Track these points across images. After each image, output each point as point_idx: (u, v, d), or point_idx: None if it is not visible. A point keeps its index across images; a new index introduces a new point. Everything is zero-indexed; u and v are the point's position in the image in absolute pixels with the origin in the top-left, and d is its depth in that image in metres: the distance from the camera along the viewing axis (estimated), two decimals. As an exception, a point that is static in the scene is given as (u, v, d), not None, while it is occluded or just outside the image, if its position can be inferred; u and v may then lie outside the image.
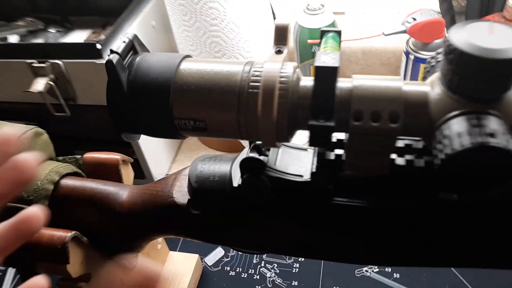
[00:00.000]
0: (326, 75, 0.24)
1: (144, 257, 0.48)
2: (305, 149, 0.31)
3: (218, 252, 0.57)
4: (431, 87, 0.24)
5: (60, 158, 0.42)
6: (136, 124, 0.27)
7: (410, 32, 0.61)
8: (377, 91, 0.24)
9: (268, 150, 0.30)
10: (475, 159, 0.21)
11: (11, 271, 0.59)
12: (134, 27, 0.58)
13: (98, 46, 0.50)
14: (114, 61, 0.25)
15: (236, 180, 0.30)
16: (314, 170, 0.29)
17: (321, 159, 0.28)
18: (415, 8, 0.64)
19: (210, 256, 0.57)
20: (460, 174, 0.22)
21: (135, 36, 0.27)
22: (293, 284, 0.52)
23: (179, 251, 0.57)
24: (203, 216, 0.33)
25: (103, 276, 0.27)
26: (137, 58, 0.26)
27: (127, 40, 0.26)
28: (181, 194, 0.34)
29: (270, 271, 0.54)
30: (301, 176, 0.29)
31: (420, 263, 0.31)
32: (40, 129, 0.40)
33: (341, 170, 0.28)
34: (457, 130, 0.21)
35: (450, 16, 0.71)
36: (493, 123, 0.21)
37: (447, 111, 0.22)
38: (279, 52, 0.26)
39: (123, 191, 0.37)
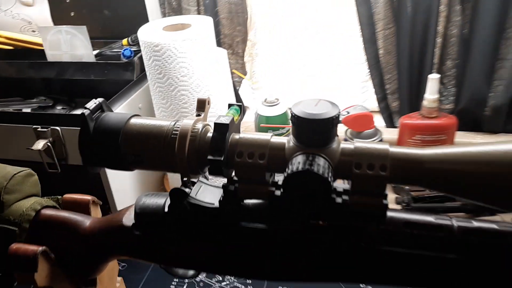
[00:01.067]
0: (221, 128, 0.36)
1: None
2: (220, 187, 0.43)
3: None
4: (287, 140, 0.36)
5: (45, 197, 0.53)
6: (97, 159, 0.39)
7: (344, 122, 0.75)
8: (253, 140, 0.36)
9: (193, 185, 0.42)
10: (304, 180, 0.32)
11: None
12: (123, 106, 0.73)
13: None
14: (86, 114, 0.38)
15: (167, 206, 0.41)
16: (221, 199, 0.40)
17: (225, 190, 0.40)
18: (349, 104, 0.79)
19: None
20: (296, 195, 0.33)
21: (104, 101, 0.40)
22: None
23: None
24: (143, 236, 0.43)
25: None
26: (102, 115, 0.39)
27: (97, 102, 0.39)
28: (128, 220, 0.44)
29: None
30: (212, 204, 0.40)
31: (309, 279, 0.41)
32: (32, 171, 0.51)
33: (243, 200, 0.40)
34: (296, 161, 0.33)
35: (387, 113, 0.87)
36: (319, 160, 0.33)
37: (294, 152, 0.35)
38: (198, 115, 0.39)
39: (87, 220, 0.48)
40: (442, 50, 0.76)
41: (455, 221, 0.37)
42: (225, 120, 0.37)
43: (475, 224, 0.37)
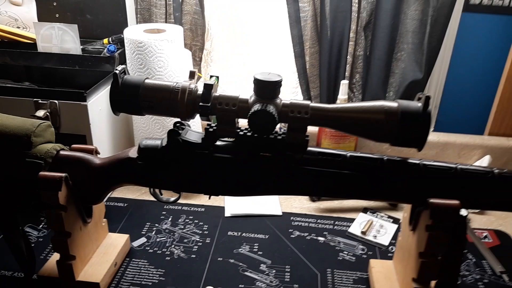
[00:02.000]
0: (208, 86, 0.57)
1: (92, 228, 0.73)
2: (200, 132, 0.63)
3: (142, 240, 0.83)
4: (250, 96, 0.58)
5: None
6: (122, 105, 0.58)
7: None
8: (228, 96, 0.58)
9: (183, 129, 0.62)
10: (260, 116, 0.54)
11: None
12: (104, 93, 0.90)
13: (85, 94, 0.82)
14: (117, 72, 0.57)
15: (164, 142, 0.61)
16: (203, 137, 0.61)
17: (207, 131, 0.60)
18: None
19: (135, 242, 0.82)
20: (255, 125, 0.55)
21: (126, 67, 0.60)
22: (191, 257, 0.79)
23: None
24: (144, 165, 0.62)
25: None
26: (125, 76, 0.59)
27: (122, 68, 0.59)
28: (133, 153, 0.63)
29: (177, 250, 0.80)
30: (196, 140, 0.61)
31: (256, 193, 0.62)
32: (50, 124, 0.68)
33: (218, 138, 0.61)
34: (255, 106, 0.55)
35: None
36: (270, 106, 0.56)
37: (254, 102, 0.57)
38: (191, 80, 0.60)
39: (97, 159, 0.66)
40: (352, 65, 1.04)
41: (350, 153, 0.61)
42: (211, 82, 0.58)
43: (360, 154, 0.61)
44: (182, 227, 0.87)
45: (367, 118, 0.56)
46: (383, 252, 0.82)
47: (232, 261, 0.79)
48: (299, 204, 0.95)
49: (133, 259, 0.78)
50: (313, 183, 0.61)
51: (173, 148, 0.61)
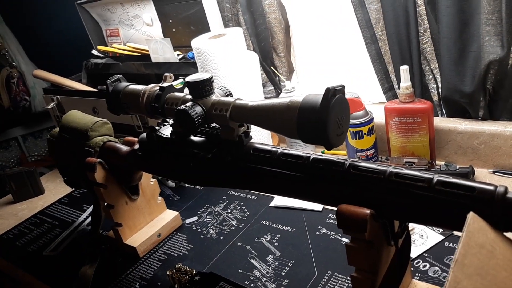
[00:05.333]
0: (162, 89, 0.66)
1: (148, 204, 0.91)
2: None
3: (194, 218, 0.97)
4: (190, 97, 0.64)
5: (113, 137, 0.91)
6: (111, 107, 0.74)
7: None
8: (175, 97, 0.65)
9: (161, 127, 0.72)
10: (179, 113, 0.60)
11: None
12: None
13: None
14: (108, 82, 0.73)
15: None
16: (171, 132, 0.70)
17: (173, 129, 0.69)
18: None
19: (189, 219, 0.97)
20: (179, 123, 0.61)
21: (121, 76, 0.74)
22: (219, 238, 0.88)
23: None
24: (142, 154, 0.76)
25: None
26: (117, 83, 0.74)
27: (117, 77, 0.74)
28: (137, 147, 0.78)
29: (212, 230, 0.91)
30: (169, 135, 0.70)
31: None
32: (107, 121, 0.89)
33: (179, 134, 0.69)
34: (184, 104, 0.61)
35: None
36: (195, 106, 0.60)
37: (187, 101, 0.62)
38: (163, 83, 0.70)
39: (124, 148, 0.84)
40: (418, 47, 0.89)
41: (281, 150, 0.59)
42: (165, 85, 0.67)
43: (291, 151, 0.58)
44: (229, 211, 0.96)
45: (273, 115, 0.54)
46: (404, 265, 0.71)
47: (248, 247, 0.84)
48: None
49: (178, 233, 0.93)
50: (250, 179, 0.62)
51: (151, 142, 0.72)
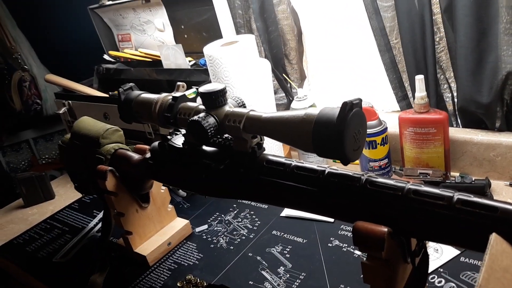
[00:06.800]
0: (175, 99, 0.66)
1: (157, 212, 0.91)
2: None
3: (204, 227, 0.96)
4: (202, 108, 0.63)
5: (124, 145, 0.90)
6: (123, 115, 0.73)
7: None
8: (187, 106, 0.64)
9: (173, 137, 0.72)
10: (192, 125, 0.59)
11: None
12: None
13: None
14: (120, 91, 0.72)
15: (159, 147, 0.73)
16: (183, 142, 0.69)
17: (186, 139, 0.68)
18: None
19: (198, 228, 0.96)
20: (192, 134, 0.60)
21: (134, 85, 0.74)
22: (230, 248, 0.87)
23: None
24: (154, 163, 0.75)
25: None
26: (130, 91, 0.73)
27: (129, 85, 0.73)
28: (148, 156, 0.77)
29: (223, 240, 0.90)
30: (181, 145, 0.70)
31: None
32: (119, 128, 0.89)
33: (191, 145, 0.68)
34: (198, 115, 0.60)
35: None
36: (208, 116, 0.60)
37: (200, 112, 0.61)
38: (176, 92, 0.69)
39: (136, 156, 0.83)
40: (433, 57, 0.87)
41: (295, 162, 0.58)
42: (177, 95, 0.66)
43: (305, 164, 0.57)
44: (240, 220, 0.95)
45: (288, 127, 0.53)
46: (419, 280, 0.69)
47: (258, 258, 0.83)
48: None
49: (188, 242, 0.92)
50: (263, 192, 0.61)
51: (162, 151, 0.72)
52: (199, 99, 0.68)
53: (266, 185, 0.59)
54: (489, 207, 0.43)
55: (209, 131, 0.59)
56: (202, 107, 0.63)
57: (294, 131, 0.53)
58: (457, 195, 0.45)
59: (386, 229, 0.47)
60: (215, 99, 0.60)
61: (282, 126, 0.54)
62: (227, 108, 0.61)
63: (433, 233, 0.47)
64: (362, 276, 0.51)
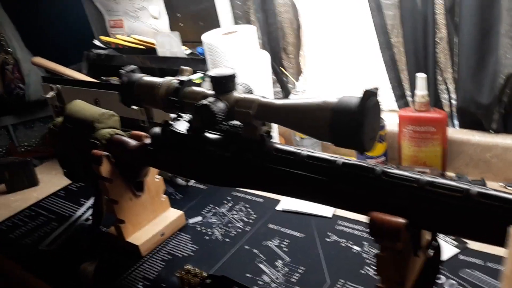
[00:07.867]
0: (181, 83, 0.63)
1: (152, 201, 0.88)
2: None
3: (198, 218, 0.94)
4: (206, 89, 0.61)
5: (121, 130, 0.87)
6: (125, 98, 0.71)
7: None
8: (194, 91, 0.62)
9: (175, 122, 0.70)
10: (201, 109, 0.57)
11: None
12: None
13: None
14: (122, 73, 0.69)
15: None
16: (187, 128, 0.67)
17: (190, 124, 0.66)
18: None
19: (192, 219, 0.94)
20: (200, 118, 0.58)
21: (137, 68, 0.71)
22: (225, 240, 0.85)
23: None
24: (154, 150, 0.73)
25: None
26: (133, 75, 0.70)
27: (132, 68, 0.71)
28: (148, 141, 0.75)
29: (218, 232, 0.88)
30: (185, 131, 0.68)
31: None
32: (115, 113, 0.86)
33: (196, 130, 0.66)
34: (207, 99, 0.58)
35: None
36: (217, 101, 0.58)
37: (208, 96, 0.60)
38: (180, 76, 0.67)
39: (132, 142, 0.80)
40: (433, 55, 0.88)
41: (306, 151, 0.57)
42: (184, 79, 0.64)
43: (318, 154, 0.56)
44: (235, 213, 0.94)
45: (303, 114, 0.52)
46: (418, 276, 0.69)
47: (255, 251, 0.81)
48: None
49: (181, 233, 0.90)
50: (271, 180, 0.59)
51: (164, 136, 0.70)
52: (205, 85, 0.66)
53: (275, 174, 0.58)
54: (507, 200, 0.43)
55: (218, 115, 0.57)
56: (210, 91, 0.61)
57: (309, 119, 0.51)
58: (475, 188, 0.45)
59: (403, 221, 0.47)
60: (225, 84, 0.59)
61: (297, 113, 0.53)
62: (235, 93, 0.60)
63: (449, 226, 0.47)
64: (375, 268, 0.50)
